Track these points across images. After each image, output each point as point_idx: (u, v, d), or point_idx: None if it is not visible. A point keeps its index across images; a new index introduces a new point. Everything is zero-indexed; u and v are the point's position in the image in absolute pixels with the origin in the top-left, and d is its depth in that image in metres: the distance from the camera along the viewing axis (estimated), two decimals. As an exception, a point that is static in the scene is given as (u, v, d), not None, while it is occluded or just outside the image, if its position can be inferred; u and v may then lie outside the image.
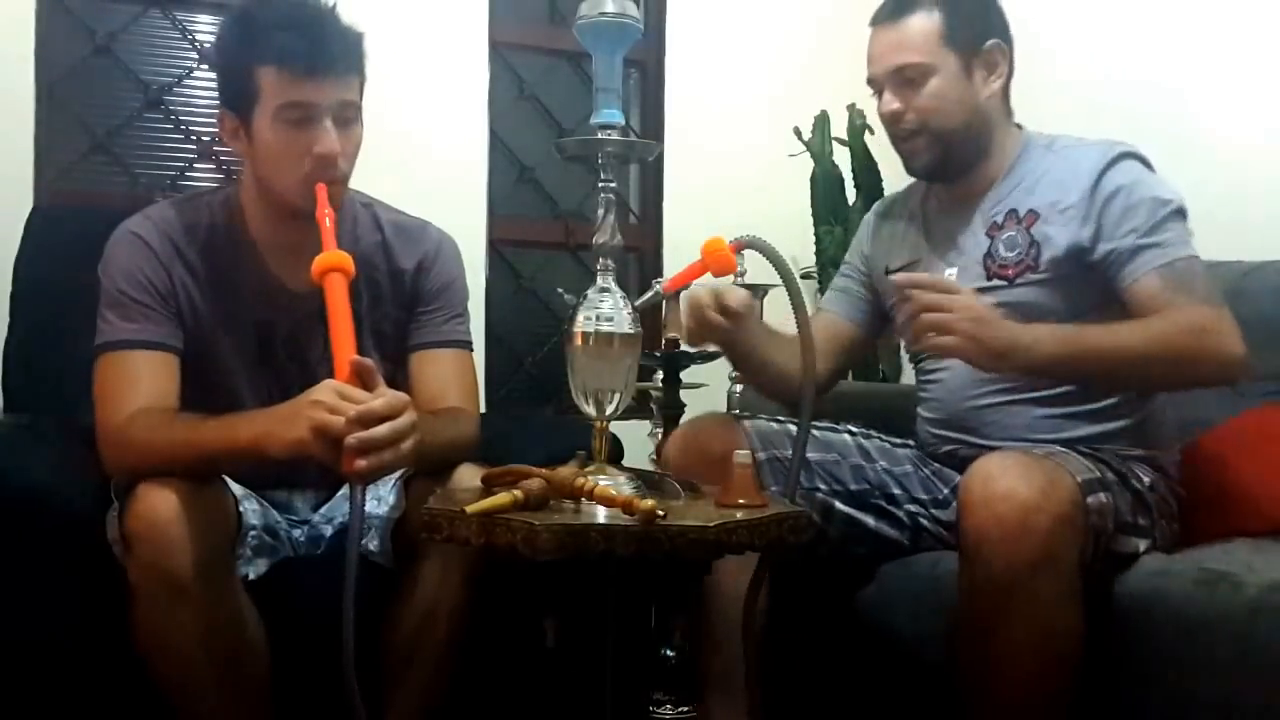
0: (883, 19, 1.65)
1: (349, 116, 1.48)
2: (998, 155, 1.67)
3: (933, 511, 1.70)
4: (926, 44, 1.60)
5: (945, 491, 1.69)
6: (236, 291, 1.56)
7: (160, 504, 1.30)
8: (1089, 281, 1.57)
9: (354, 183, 1.55)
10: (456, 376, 1.61)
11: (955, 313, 1.40)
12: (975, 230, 1.66)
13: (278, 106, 1.44)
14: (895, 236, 1.80)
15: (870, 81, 1.67)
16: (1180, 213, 1.54)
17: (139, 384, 1.44)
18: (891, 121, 1.65)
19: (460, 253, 1.69)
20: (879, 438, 1.76)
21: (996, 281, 1.62)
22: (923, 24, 1.61)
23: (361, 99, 1.51)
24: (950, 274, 1.66)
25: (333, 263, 1.33)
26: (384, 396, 1.26)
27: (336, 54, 1.45)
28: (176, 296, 1.51)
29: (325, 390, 1.26)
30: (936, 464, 1.72)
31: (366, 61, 1.51)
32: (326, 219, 1.40)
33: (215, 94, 1.55)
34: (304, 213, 1.44)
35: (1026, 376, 1.54)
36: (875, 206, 1.93)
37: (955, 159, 1.65)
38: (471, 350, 1.66)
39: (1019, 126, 1.70)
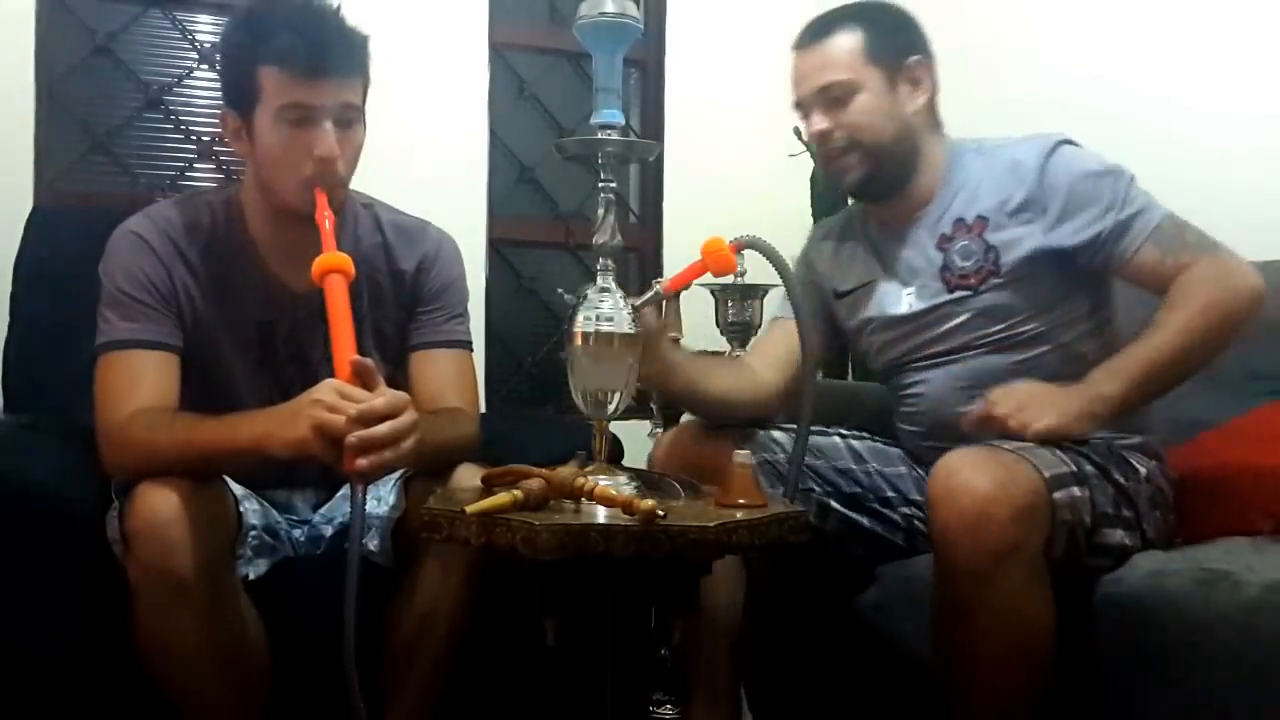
0: (806, 42, 1.67)
1: (350, 118, 1.48)
2: (928, 169, 1.68)
3: (927, 513, 1.70)
4: (850, 61, 1.62)
5: None
6: (237, 291, 1.56)
7: (161, 504, 1.30)
8: (1048, 277, 1.59)
9: (354, 183, 1.56)
10: (456, 377, 1.61)
11: (1029, 405, 1.44)
12: (924, 245, 1.67)
13: (279, 107, 1.44)
14: (842, 260, 1.80)
15: (798, 105, 1.69)
16: (1133, 178, 1.57)
17: (139, 383, 1.44)
18: (821, 141, 1.67)
19: (460, 253, 1.69)
20: (870, 438, 1.76)
21: (960, 292, 1.63)
22: (845, 42, 1.63)
23: (365, 101, 1.50)
24: (908, 292, 1.68)
25: (332, 264, 1.34)
26: (384, 395, 1.26)
27: (339, 55, 1.45)
28: (177, 296, 1.51)
29: (326, 389, 1.26)
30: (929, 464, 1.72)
31: (370, 64, 1.51)
32: (326, 221, 1.40)
33: (215, 94, 1.56)
34: (304, 214, 1.45)
35: (1112, 419, 1.51)
36: (813, 232, 1.93)
37: (886, 174, 1.66)
38: (471, 350, 1.66)
39: (943, 135, 1.71)
